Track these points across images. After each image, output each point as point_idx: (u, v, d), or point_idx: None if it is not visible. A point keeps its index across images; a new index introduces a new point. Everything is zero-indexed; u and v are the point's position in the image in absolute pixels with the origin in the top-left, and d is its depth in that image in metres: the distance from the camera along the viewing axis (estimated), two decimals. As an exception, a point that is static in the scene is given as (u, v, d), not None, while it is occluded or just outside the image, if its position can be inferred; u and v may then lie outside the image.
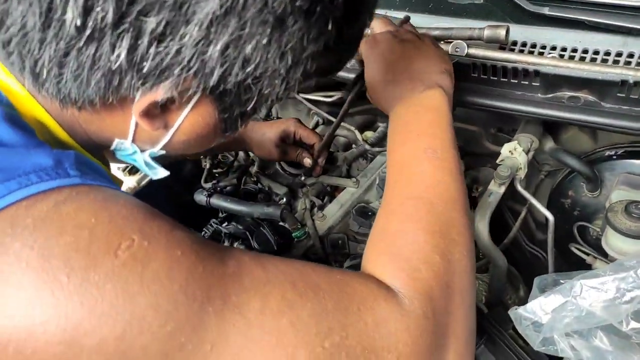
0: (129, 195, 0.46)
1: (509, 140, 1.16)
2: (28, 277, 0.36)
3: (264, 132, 1.11)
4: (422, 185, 0.60)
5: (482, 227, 0.80)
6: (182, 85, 0.43)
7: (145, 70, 0.41)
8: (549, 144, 0.90)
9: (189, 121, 0.49)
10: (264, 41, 0.41)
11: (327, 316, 0.44)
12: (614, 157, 0.90)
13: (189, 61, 0.41)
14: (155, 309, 0.38)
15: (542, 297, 0.57)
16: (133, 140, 0.53)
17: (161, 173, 0.59)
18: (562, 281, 0.65)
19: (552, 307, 0.56)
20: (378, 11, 1.00)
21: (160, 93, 0.43)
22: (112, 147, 0.54)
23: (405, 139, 0.66)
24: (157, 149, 0.54)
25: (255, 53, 0.41)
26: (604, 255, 0.89)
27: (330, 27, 0.44)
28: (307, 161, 1.08)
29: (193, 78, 0.43)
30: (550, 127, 0.96)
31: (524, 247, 1.17)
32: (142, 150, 0.55)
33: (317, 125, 1.33)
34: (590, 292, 0.54)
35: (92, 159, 0.52)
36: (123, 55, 0.40)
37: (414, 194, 0.59)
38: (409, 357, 0.46)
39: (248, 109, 0.49)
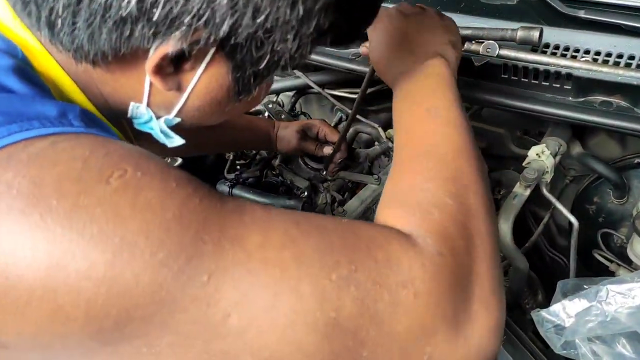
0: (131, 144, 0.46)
1: (534, 144, 1.16)
2: (17, 203, 0.36)
3: (288, 126, 1.12)
4: (428, 141, 0.59)
5: (506, 229, 0.80)
6: (193, 37, 0.43)
7: (155, 18, 0.41)
8: (577, 149, 0.89)
9: (203, 83, 0.49)
10: None
11: (332, 251, 0.42)
12: (643, 165, 0.89)
13: (199, 9, 0.41)
14: (146, 235, 0.37)
15: (567, 300, 0.56)
16: (148, 105, 0.52)
17: (177, 141, 0.58)
18: (585, 286, 0.65)
19: (576, 310, 0.55)
20: (409, 9, 1.00)
21: (171, 44, 0.43)
22: (129, 114, 0.54)
23: (408, 105, 0.67)
24: (172, 115, 0.54)
25: (266, 1, 0.42)
26: (628, 263, 0.88)
27: None
28: (327, 149, 1.09)
29: (203, 28, 0.42)
30: (578, 132, 0.95)
31: (544, 252, 1.16)
32: (158, 117, 0.55)
33: (340, 121, 1.33)
34: (617, 298, 0.53)
35: (106, 123, 0.51)
36: (133, 2, 0.40)
37: (421, 150, 0.58)
38: (429, 295, 0.43)
39: (261, 67, 0.48)
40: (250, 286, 0.39)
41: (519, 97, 0.82)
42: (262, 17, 0.42)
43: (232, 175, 1.13)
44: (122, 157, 0.40)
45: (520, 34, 0.80)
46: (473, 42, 0.87)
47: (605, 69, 0.74)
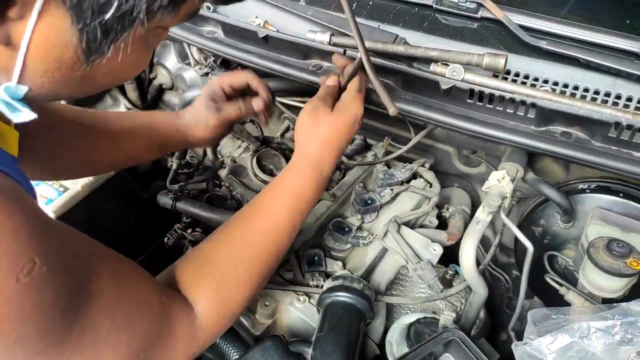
0: None
1: (480, 163, 1.19)
2: None
3: (193, 107, 0.94)
4: (262, 226, 0.73)
5: (468, 255, 0.80)
6: None
7: None
8: (529, 174, 0.92)
9: (40, 38, 0.41)
10: None
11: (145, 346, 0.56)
12: (587, 190, 0.93)
13: None
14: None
15: (549, 335, 0.56)
16: None
17: (26, 115, 0.47)
18: (553, 316, 0.66)
19: (557, 346, 0.56)
20: (371, 23, 0.97)
21: None
22: None
23: (280, 193, 0.77)
24: (14, 82, 0.44)
25: None
26: (573, 284, 0.92)
27: None
28: (257, 102, 0.91)
29: None
30: (525, 156, 0.98)
31: (485, 269, 1.20)
32: None
33: (287, 129, 1.28)
34: (598, 334, 0.54)
35: None
36: None
37: (253, 233, 0.72)
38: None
39: (107, 17, 0.40)
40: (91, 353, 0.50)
41: (483, 123, 0.82)
42: None
43: (175, 187, 1.04)
44: None
45: (486, 60, 0.81)
46: (439, 63, 0.87)
47: (569, 101, 0.77)
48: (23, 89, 0.45)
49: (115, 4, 0.39)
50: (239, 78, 0.92)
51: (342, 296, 0.79)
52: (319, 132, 0.77)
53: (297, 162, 0.78)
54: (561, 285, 0.89)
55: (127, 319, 0.52)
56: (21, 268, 0.41)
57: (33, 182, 1.00)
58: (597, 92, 0.81)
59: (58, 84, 0.46)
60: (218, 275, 0.67)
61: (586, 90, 0.82)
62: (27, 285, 0.41)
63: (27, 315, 0.42)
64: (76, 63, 0.44)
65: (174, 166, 1.10)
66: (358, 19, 0.99)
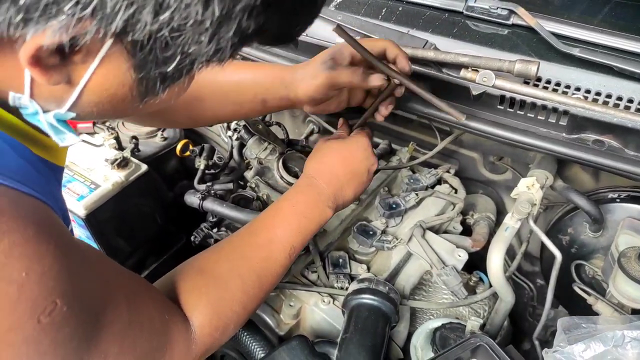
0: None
1: (505, 170, 1.19)
2: None
3: (309, 62, 0.88)
4: (261, 254, 0.75)
5: (497, 261, 0.79)
6: (76, 29, 0.36)
7: (23, 0, 0.34)
8: (559, 182, 0.91)
9: (99, 79, 0.43)
10: None
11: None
12: (617, 200, 0.92)
13: None
14: None
15: (582, 343, 0.56)
16: (32, 96, 0.44)
17: (70, 139, 0.49)
18: (583, 325, 0.65)
19: (590, 354, 0.55)
20: (400, 29, 0.98)
21: (48, 35, 0.36)
22: (11, 103, 0.46)
23: (287, 214, 0.79)
24: (64, 110, 0.46)
25: None
26: (601, 294, 0.91)
27: None
28: (376, 79, 0.84)
29: (90, 19, 0.36)
30: (554, 164, 0.98)
31: (509, 277, 1.19)
32: (47, 111, 0.47)
33: (311, 132, 1.29)
34: (633, 344, 0.54)
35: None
36: None
37: (253, 258, 0.74)
38: None
39: (169, 70, 0.42)
40: None
41: (514, 130, 0.82)
42: (167, 15, 0.36)
43: (202, 186, 1.05)
44: None
45: (518, 66, 0.80)
46: (469, 69, 0.87)
47: (602, 109, 0.76)
48: (70, 115, 0.47)
49: (178, 58, 0.41)
50: (375, 44, 0.85)
51: (368, 299, 0.79)
52: (320, 156, 0.87)
53: (299, 181, 0.86)
54: (589, 294, 0.87)
55: (133, 343, 0.54)
56: (43, 310, 0.42)
57: (67, 177, 1.02)
58: (630, 101, 0.80)
59: (106, 112, 0.49)
60: (213, 289, 0.69)
61: (619, 98, 0.81)
62: (47, 325, 0.43)
63: (44, 352, 0.43)
64: (128, 99, 0.46)
65: (202, 166, 1.11)
66: (387, 24, 1.00)
